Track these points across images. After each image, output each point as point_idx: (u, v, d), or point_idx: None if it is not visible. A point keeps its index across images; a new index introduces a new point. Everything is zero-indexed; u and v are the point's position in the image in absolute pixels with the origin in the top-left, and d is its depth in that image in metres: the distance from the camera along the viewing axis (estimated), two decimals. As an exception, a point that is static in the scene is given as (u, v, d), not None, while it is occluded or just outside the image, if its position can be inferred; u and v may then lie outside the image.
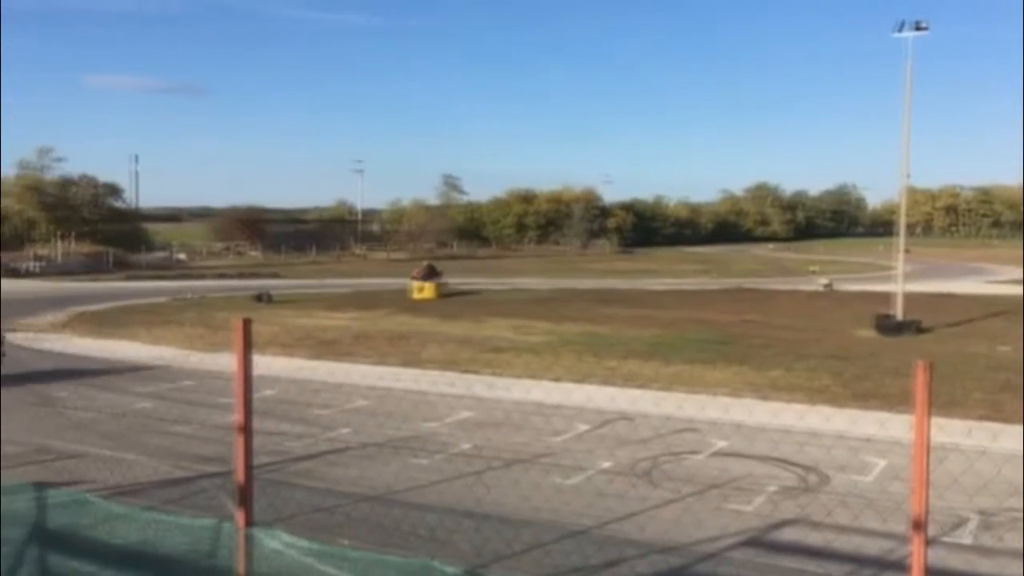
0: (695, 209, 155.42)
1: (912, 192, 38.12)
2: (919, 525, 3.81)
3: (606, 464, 12.99)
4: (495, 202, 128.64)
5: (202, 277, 59.96)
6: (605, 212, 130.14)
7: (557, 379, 19.90)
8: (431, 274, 44.39)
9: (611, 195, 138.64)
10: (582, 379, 19.92)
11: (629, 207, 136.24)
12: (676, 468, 12.86)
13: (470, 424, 15.70)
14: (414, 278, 41.56)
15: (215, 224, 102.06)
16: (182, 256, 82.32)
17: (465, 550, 9.03)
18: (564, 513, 10.48)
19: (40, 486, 5.57)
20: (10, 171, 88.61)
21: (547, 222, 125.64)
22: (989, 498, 10.92)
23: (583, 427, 15.40)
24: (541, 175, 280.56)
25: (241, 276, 60.53)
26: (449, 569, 4.36)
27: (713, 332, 28.95)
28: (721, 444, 14.19)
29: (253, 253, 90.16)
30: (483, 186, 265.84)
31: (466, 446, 14.13)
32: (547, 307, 37.92)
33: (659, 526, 10.19)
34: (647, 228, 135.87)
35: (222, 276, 61.00)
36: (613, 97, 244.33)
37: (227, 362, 20.69)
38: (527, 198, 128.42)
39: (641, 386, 18.87)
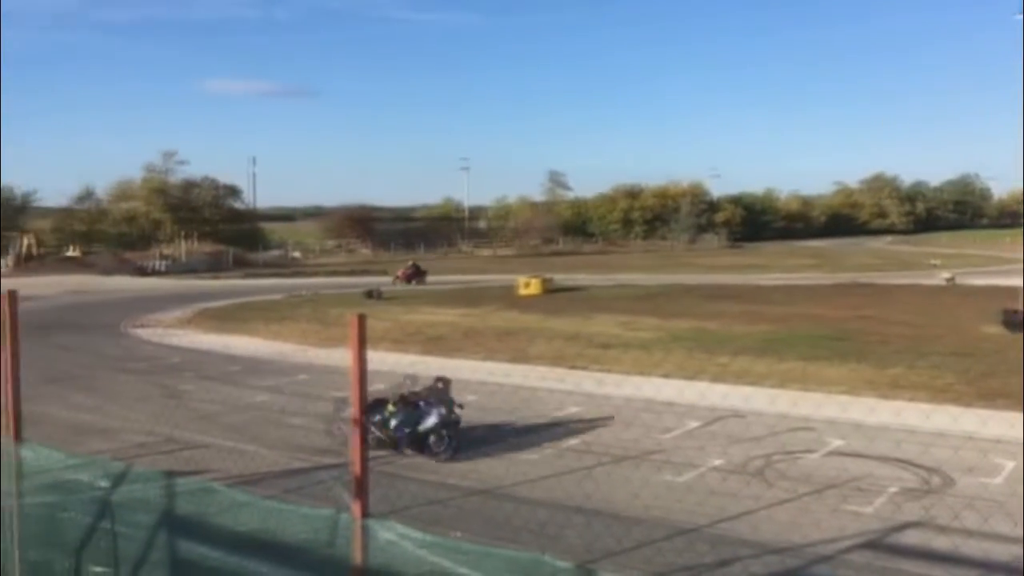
0: (807, 202, 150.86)
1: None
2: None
3: (718, 462, 12.77)
4: (601, 198, 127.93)
5: (315, 275, 61.72)
6: (713, 206, 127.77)
7: (666, 376, 19.66)
8: (416, 274, 45.05)
9: (719, 189, 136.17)
10: (692, 376, 19.62)
11: (738, 201, 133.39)
12: (791, 467, 12.53)
13: (581, 419, 15.67)
14: (398, 279, 42.44)
15: (327, 223, 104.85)
16: (296, 254, 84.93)
17: (575, 546, 9.02)
18: (675, 511, 10.35)
19: (169, 474, 5.83)
20: (137, 174, 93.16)
21: (653, 217, 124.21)
22: None
23: (694, 424, 15.17)
24: (648, 170, 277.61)
25: (352, 273, 62.01)
26: (560, 564, 4.35)
27: (827, 328, 28.06)
28: (838, 443, 13.75)
29: (363, 251, 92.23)
30: (589, 182, 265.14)
31: (574, 442, 14.12)
32: (654, 303, 37.51)
33: (773, 526, 9.95)
34: (757, 222, 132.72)
35: (334, 273, 62.64)
36: (721, 90, 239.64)
37: (340, 357, 21.22)
38: (633, 193, 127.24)
39: (753, 383, 18.44)
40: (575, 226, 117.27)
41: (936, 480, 11.77)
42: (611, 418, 15.52)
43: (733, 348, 23.55)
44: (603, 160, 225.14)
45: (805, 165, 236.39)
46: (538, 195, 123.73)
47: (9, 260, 67.14)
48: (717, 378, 19.21)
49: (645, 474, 12.15)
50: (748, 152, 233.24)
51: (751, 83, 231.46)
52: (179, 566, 5.51)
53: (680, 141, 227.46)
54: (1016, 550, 9.07)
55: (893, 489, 11.35)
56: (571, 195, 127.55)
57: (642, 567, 8.20)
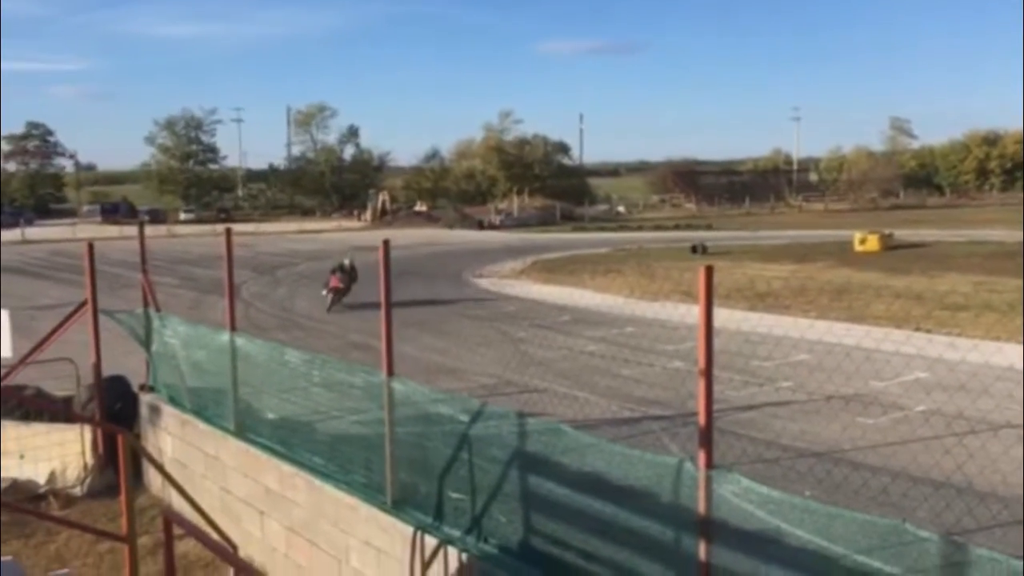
0: None
1: None
2: None
3: (1095, 442, 11.24)
4: (951, 145, 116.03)
5: (640, 229, 62.34)
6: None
7: (1030, 342, 17.60)
8: (348, 279, 24.73)
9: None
10: (1062, 344, 17.40)
11: None
12: None
13: (924, 385, 14.55)
14: (330, 289, 24.16)
15: (651, 177, 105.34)
16: (621, 209, 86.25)
17: (922, 517, 8.41)
18: None
19: (521, 415, 6.23)
20: (477, 135, 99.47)
21: (1014, 166, 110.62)
22: None
23: (1064, 398, 13.46)
24: (1008, 113, 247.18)
25: (676, 228, 61.89)
26: (923, 534, 4.08)
27: None
28: None
29: (688, 205, 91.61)
30: (937, 128, 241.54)
31: (920, 408, 13.13)
32: (1014, 262, 33.53)
33: None
34: None
35: (658, 228, 62.90)
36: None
37: (667, 310, 21.39)
38: (990, 139, 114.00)
39: None
40: (919, 177, 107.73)
41: None
42: (970, 387, 14.21)
43: (1116, 314, 20.49)
44: (954, 103, 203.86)
45: None
46: (877, 144, 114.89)
47: (367, 215, 74.89)
48: (1095, 348, 16.86)
49: (1004, 447, 11.00)
50: None
51: None
52: (528, 499, 5.89)
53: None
54: None
55: None
56: (915, 143, 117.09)
57: (1008, 551, 7.46)
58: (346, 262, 24.51)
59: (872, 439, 11.69)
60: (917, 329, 19.36)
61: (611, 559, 5.47)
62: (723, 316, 21.39)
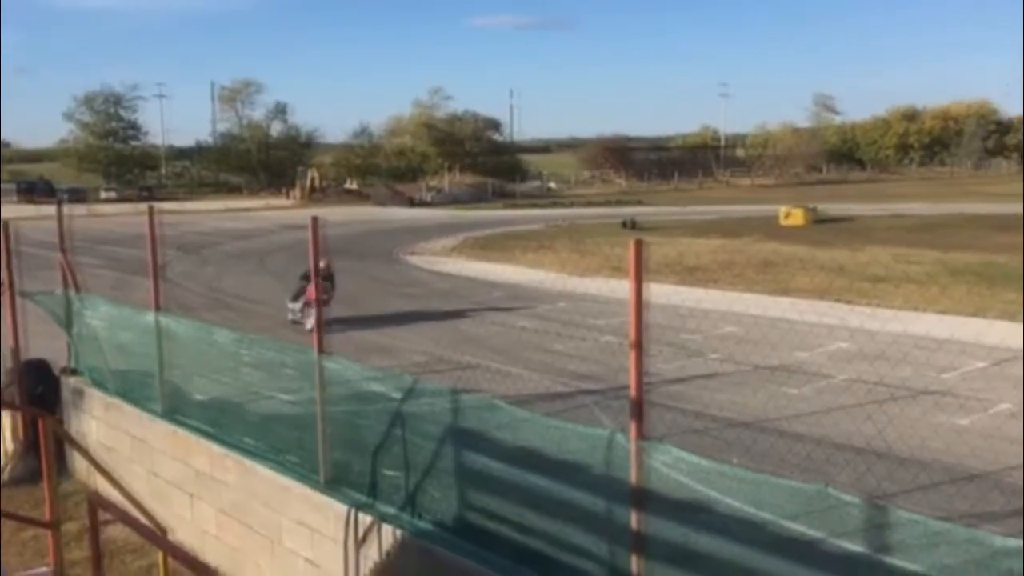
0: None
1: None
2: None
3: (1007, 405, 11.75)
4: (873, 121, 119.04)
5: (571, 205, 62.65)
6: (1003, 127, 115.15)
7: (944, 312, 18.26)
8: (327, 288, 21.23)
9: (1012, 108, 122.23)
10: (975, 313, 18.10)
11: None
12: (1097, 416, 11.28)
13: (845, 355, 14.98)
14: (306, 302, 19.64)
15: (583, 154, 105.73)
16: (553, 185, 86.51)
17: (843, 483, 8.68)
18: (959, 454, 9.67)
19: (455, 391, 6.23)
20: (407, 111, 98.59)
21: (932, 141, 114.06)
22: None
23: (977, 364, 14.03)
24: (927, 90, 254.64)
25: (607, 204, 62.37)
26: (846, 498, 4.22)
27: None
28: None
29: (618, 181, 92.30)
30: (860, 105, 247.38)
31: (841, 378, 13.52)
32: (932, 234, 34.73)
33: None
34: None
35: (590, 204, 63.28)
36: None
37: (597, 286, 21.53)
38: (910, 115, 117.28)
39: (1051, 322, 16.68)
40: (842, 153, 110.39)
41: None
42: (888, 355, 14.68)
43: (1026, 284, 21.37)
44: (876, 81, 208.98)
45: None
46: (802, 120, 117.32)
47: (296, 193, 73.77)
48: (1007, 316, 17.57)
49: (917, 414, 11.43)
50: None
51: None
52: (463, 474, 5.91)
53: (964, 55, 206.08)
54: None
55: None
56: (839, 119, 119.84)
57: (928, 512, 7.76)
58: (321, 265, 20.58)
59: (797, 408, 12.01)
60: (840, 300, 19.91)
61: (546, 531, 5.53)
62: (654, 290, 21.66)
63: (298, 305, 18.12)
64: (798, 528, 4.69)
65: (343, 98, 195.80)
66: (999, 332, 15.71)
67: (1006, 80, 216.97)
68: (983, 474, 9.15)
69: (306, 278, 17.75)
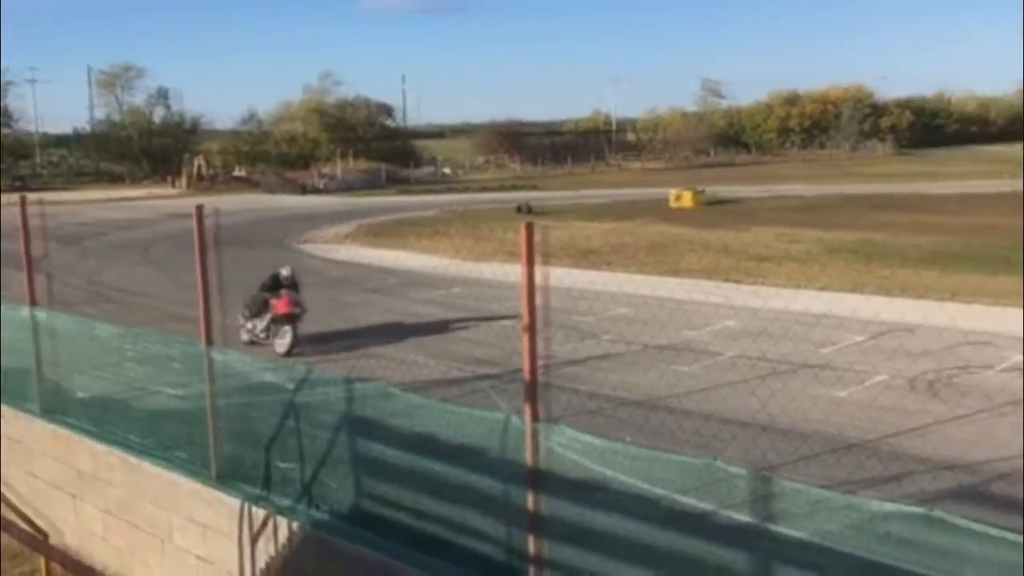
0: (984, 103, 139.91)
1: None
2: None
3: (883, 376, 12.35)
4: (756, 106, 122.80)
5: (466, 190, 62.55)
6: (878, 111, 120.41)
7: (825, 288, 19.03)
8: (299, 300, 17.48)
9: (886, 92, 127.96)
10: (854, 289, 18.92)
11: (906, 104, 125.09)
12: (965, 382, 11.97)
13: (732, 333, 15.45)
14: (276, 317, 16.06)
15: (476, 139, 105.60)
16: (447, 171, 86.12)
17: (731, 456, 8.97)
18: (838, 425, 10.11)
19: (349, 380, 6.15)
20: (296, 96, 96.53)
21: (812, 125, 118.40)
22: None
23: (857, 338, 14.68)
24: (808, 75, 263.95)
25: (502, 189, 62.50)
26: (732, 470, 4.35)
27: (1008, 239, 26.26)
28: (1016, 358, 13.01)
29: (512, 166, 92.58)
30: (745, 90, 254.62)
31: (729, 354, 13.95)
32: (813, 214, 36.11)
33: (946, 443, 9.59)
34: (927, 127, 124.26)
35: (484, 189, 63.31)
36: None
37: (492, 270, 21.55)
38: (791, 100, 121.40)
39: (922, 296, 17.59)
40: (729, 136, 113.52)
41: None
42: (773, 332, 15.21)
43: (901, 260, 22.48)
44: (760, 66, 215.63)
45: (982, 61, 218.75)
46: (690, 105, 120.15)
47: (182, 181, 71.39)
48: (882, 291, 18.44)
49: (802, 387, 11.90)
50: (917, 50, 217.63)
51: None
52: (359, 463, 5.85)
53: (842, 41, 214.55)
54: None
55: (1080, 407, 10.67)
56: (725, 104, 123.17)
57: (809, 481, 8.09)
58: (284, 273, 16.00)
59: (687, 385, 12.33)
60: (727, 280, 20.50)
61: (444, 516, 5.53)
62: (549, 274, 21.96)
63: (262, 322, 15.11)
64: (690, 502, 4.82)
65: (230, 84, 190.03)
66: (875, 307, 16.44)
67: (881, 65, 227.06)
68: (860, 443, 9.60)
69: (271, 288, 15.30)
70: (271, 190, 65.00)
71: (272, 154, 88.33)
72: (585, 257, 25.14)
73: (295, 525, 5.92)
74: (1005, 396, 11.24)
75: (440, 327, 16.58)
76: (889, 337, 14.64)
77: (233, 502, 6.33)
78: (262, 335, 15.06)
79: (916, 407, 10.89)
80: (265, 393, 6.50)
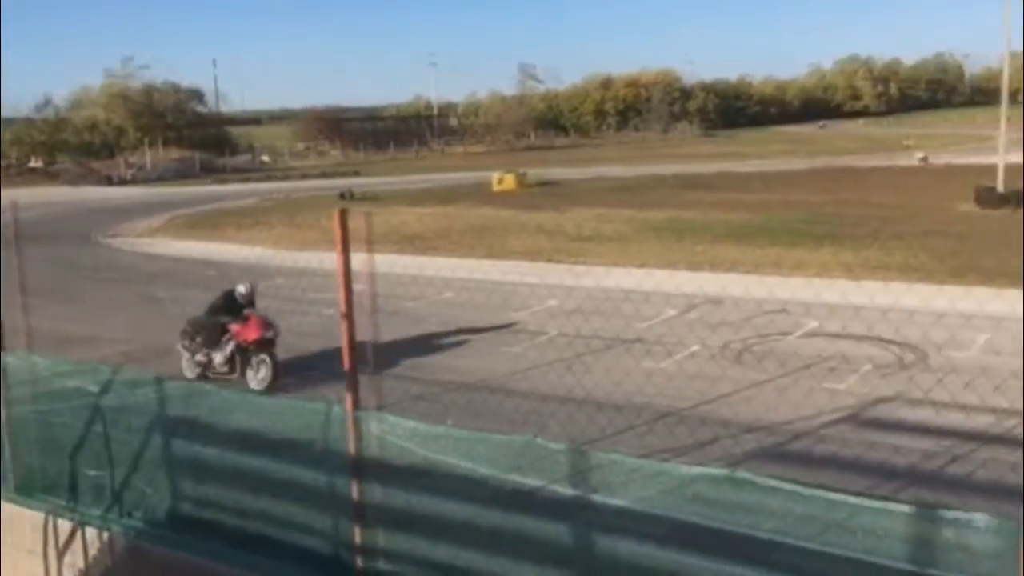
0: (781, 86, 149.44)
1: (1014, 57, 35.71)
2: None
3: (695, 348, 13.02)
4: (573, 90, 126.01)
5: (286, 178, 60.92)
6: (686, 94, 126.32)
7: (643, 266, 19.82)
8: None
9: (694, 76, 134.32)
10: (668, 265, 19.80)
11: (711, 88, 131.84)
12: (768, 350, 12.80)
13: (557, 312, 15.84)
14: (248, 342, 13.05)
15: (295, 125, 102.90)
16: (265, 158, 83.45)
17: (553, 432, 9.22)
18: (651, 395, 10.58)
19: (159, 379, 5.87)
20: (96, 81, 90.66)
21: (626, 108, 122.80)
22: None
23: (671, 312, 15.39)
24: (622, 60, 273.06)
25: (323, 176, 61.28)
26: (552, 446, 4.47)
27: (804, 213, 28.25)
28: (814, 325, 14.04)
29: (333, 152, 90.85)
30: (562, 74, 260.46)
31: (554, 333, 14.30)
32: (630, 195, 37.49)
33: (751, 407, 10.23)
34: (731, 109, 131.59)
35: (304, 177, 61.86)
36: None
37: (316, 260, 21.09)
38: (605, 84, 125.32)
39: (729, 270, 18.66)
40: (548, 120, 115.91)
41: (909, 356, 12.08)
42: (593, 310, 15.70)
43: (710, 236, 23.72)
44: (575, 52, 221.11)
45: (779, 47, 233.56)
46: (509, 89, 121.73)
47: (-29, 174, 65.70)
48: (693, 266, 19.40)
49: (625, 362, 12.37)
50: (721, 36, 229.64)
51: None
52: (175, 466, 5.61)
53: (652, 28, 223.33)
54: (987, 419, 9.38)
55: (868, 367, 11.65)
56: (543, 88, 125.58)
57: (624, 451, 8.43)
58: (241, 290, 12.95)
59: (512, 366, 12.56)
60: (549, 260, 21.00)
61: (268, 513, 5.40)
62: (375, 260, 21.74)
63: (220, 353, 12.39)
64: (517, 479, 4.92)
65: (21, 70, 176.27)
66: (687, 282, 17.30)
67: (688, 50, 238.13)
68: (673, 411, 10.09)
69: (227, 310, 12.58)
70: (73, 182, 60.93)
71: (72, 143, 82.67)
72: (410, 243, 25.06)
73: (106, 535, 5.62)
74: (801, 360, 12.12)
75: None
76: (700, 310, 15.44)
77: (36, 515, 5.93)
78: (223, 368, 12.35)
79: (723, 374, 11.56)
80: (69, 398, 6.11)
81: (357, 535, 4.84)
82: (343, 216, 4.54)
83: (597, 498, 4.82)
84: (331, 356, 11.13)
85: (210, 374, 12.35)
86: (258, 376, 12.14)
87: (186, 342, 12.77)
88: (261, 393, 10.88)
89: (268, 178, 61.70)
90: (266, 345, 12.26)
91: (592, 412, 9.66)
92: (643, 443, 8.95)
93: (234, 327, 12.32)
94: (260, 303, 16.33)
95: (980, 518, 3.86)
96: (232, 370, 12.23)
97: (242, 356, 12.24)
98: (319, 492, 5.12)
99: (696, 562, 4.61)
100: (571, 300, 16.49)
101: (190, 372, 12.62)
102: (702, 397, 10.60)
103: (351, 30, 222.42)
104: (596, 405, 10.09)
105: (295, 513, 5.31)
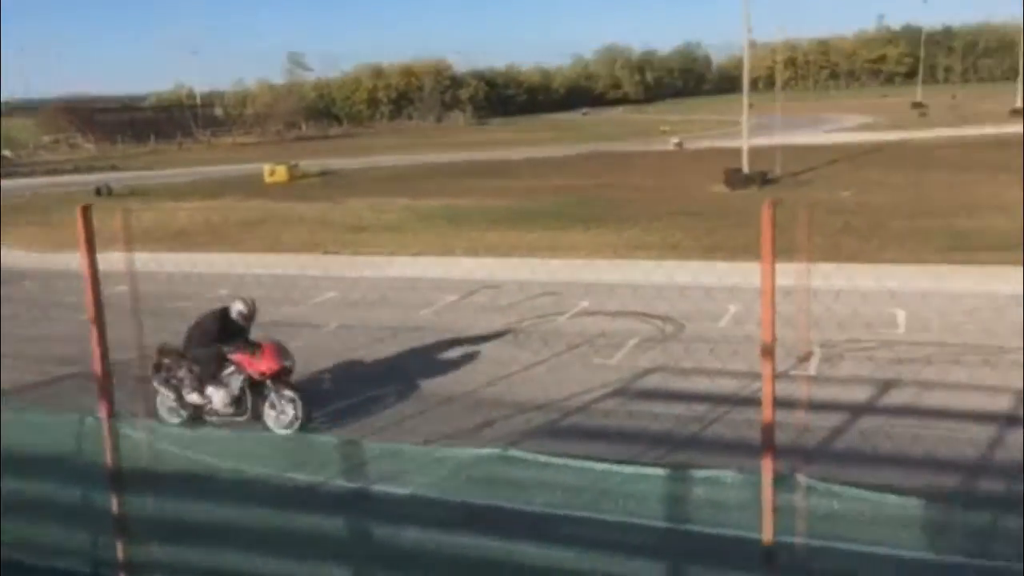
0: (547, 75, 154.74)
1: (754, 47, 38.91)
2: (769, 352, 4.09)
3: (477, 332, 13.25)
4: (344, 78, 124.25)
5: (32, 174, 56.08)
6: (457, 83, 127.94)
7: (420, 254, 19.92)
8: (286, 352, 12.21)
9: (466, 65, 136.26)
10: (444, 252, 20.01)
11: (481, 76, 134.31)
12: (541, 330, 13.25)
13: (336, 304, 15.62)
14: (261, 375, 10.63)
15: (41, 117, 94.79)
16: (7, 153, 76.37)
17: (346, 427, 9.12)
18: (438, 382, 10.69)
19: None
20: None
21: (399, 96, 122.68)
22: (828, 332, 11.77)
23: (449, 298, 15.57)
24: (390, 48, 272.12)
25: (76, 171, 56.91)
26: (323, 438, 4.41)
27: (571, 197, 29.42)
28: (583, 304, 14.66)
29: (87, 146, 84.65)
30: (333, 64, 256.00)
31: (334, 325, 14.09)
32: (404, 184, 37.52)
33: (527, 386, 10.56)
34: (501, 97, 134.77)
35: (55, 172, 57.20)
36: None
37: (71, 261, 19.54)
38: (377, 72, 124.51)
39: (503, 255, 19.13)
40: (320, 109, 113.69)
41: (669, 328, 12.90)
42: (373, 300, 15.60)
43: (483, 223, 24.19)
44: (345, 41, 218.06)
45: (545, 37, 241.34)
46: (278, 78, 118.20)
47: None
48: (468, 252, 19.73)
49: (401, 349, 12.39)
50: (488, 26, 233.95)
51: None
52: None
53: (422, 20, 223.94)
54: (741, 382, 10.18)
55: (633, 341, 12.33)
56: (313, 77, 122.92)
57: (408, 439, 8.47)
58: (238, 307, 10.15)
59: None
60: (325, 252, 20.64)
61: (20, 536, 4.97)
62: (139, 259, 20.32)
63: (222, 391, 9.67)
64: (302, 477, 4.82)
65: None
66: (465, 267, 17.57)
67: (459, 40, 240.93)
68: (458, 396, 10.24)
69: (223, 335, 9.83)
70: None
71: None
72: (176, 239, 23.83)
73: None
74: (573, 339, 12.65)
75: (11, 325, 14.75)
76: (479, 295, 15.72)
77: None
78: (227, 410, 9.61)
79: (505, 356, 11.85)
80: None
81: (120, 550, 4.56)
82: (86, 212, 4.23)
83: (379, 488, 4.81)
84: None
85: (209, 417, 9.64)
86: (283, 417, 9.31)
87: (165, 377, 9.96)
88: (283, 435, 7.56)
89: (11, 175, 56.43)
90: (284, 377, 9.75)
91: (381, 400, 9.63)
92: (431, 429, 9.03)
93: (238, 356, 9.70)
94: (6, 309, 15.01)
95: (727, 475, 4.20)
96: (241, 411, 9.58)
97: (255, 393, 9.64)
98: (75, 509, 4.77)
99: (477, 542, 4.73)
100: (349, 290, 16.32)
101: (172, 416, 9.82)
102: (487, 379, 10.83)
103: (101, 15, 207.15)
104: (383, 394, 10.06)
105: (52, 534, 4.93)
